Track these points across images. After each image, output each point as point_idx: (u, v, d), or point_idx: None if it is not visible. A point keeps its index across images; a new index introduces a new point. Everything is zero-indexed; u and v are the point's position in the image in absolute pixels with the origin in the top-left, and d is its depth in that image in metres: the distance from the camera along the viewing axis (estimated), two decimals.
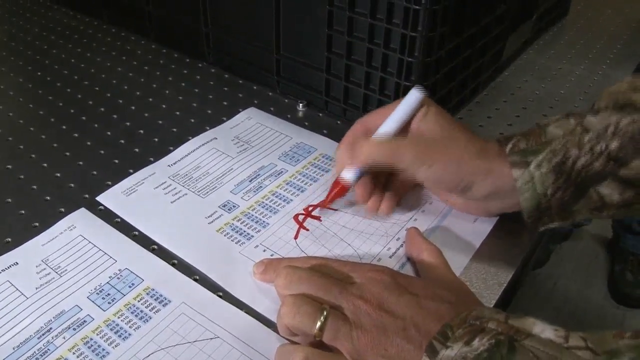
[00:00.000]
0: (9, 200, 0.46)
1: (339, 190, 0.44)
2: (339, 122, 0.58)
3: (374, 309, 0.32)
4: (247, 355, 0.33)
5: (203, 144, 0.52)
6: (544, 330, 0.28)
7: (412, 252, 0.41)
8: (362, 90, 0.54)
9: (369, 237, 0.43)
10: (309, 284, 0.34)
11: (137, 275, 0.38)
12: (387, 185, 0.46)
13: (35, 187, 0.47)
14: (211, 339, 0.34)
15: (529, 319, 0.30)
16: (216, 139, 0.53)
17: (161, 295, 0.37)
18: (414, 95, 0.43)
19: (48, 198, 0.46)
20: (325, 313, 0.32)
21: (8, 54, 0.71)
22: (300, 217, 0.44)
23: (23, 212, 0.45)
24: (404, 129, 0.43)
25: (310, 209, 0.45)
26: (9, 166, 0.50)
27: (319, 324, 0.31)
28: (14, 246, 0.41)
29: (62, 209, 0.45)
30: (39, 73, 0.66)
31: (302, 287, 0.34)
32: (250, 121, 0.57)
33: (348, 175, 0.43)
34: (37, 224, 0.43)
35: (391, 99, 0.53)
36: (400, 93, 0.52)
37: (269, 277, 0.38)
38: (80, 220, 0.43)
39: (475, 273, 0.40)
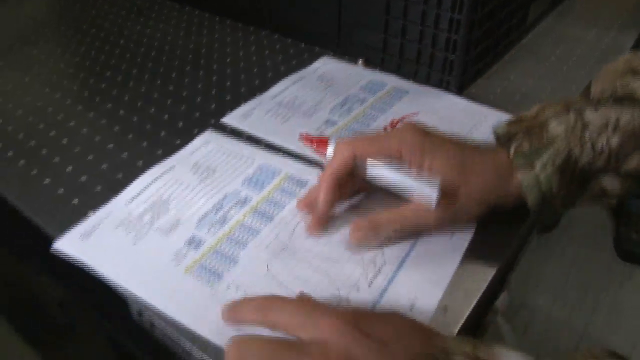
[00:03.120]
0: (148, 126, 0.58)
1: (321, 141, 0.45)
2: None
3: None
4: None
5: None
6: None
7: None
8: (416, 45, 0.65)
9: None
10: (263, 356, 0.32)
11: (275, 168, 0.50)
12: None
13: (166, 116, 0.59)
14: None
15: (497, 349, 0.29)
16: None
17: (299, 180, 0.48)
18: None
19: (180, 124, 0.58)
20: None
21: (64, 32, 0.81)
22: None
23: (163, 133, 0.57)
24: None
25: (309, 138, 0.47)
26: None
27: None
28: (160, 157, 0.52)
29: (196, 130, 0.57)
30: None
31: None
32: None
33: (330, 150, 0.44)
34: (159, 152, 0.54)
35: (442, 52, 0.63)
36: (450, 46, 0.62)
37: (238, 318, 0.37)
38: (212, 138, 0.54)
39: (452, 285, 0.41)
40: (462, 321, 0.38)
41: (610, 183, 0.39)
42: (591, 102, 0.41)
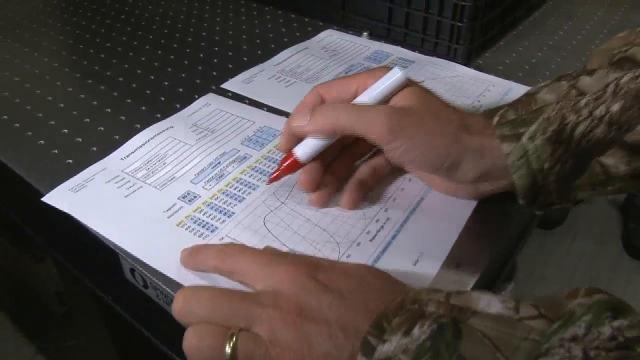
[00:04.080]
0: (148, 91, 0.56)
1: (290, 164, 0.38)
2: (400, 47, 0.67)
3: (292, 317, 0.28)
4: None
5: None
6: (490, 304, 0.25)
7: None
8: (423, 13, 0.64)
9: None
10: (210, 307, 0.29)
11: (276, 130, 0.48)
12: (348, 176, 0.41)
13: (166, 83, 0.58)
14: None
15: (473, 294, 0.26)
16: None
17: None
18: (396, 74, 0.38)
19: (181, 90, 0.57)
20: (232, 341, 0.27)
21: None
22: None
23: (163, 98, 0.55)
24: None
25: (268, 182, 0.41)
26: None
27: (228, 354, 0.27)
28: (159, 119, 0.51)
29: (196, 95, 0.55)
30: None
31: (203, 312, 0.29)
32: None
33: (299, 151, 0.38)
34: (158, 115, 0.53)
35: (449, 19, 0.62)
36: (457, 13, 0.61)
37: (197, 262, 0.35)
38: (213, 100, 0.53)
39: (459, 251, 0.38)
40: (474, 280, 0.36)
41: (615, 161, 0.32)
42: (585, 70, 0.35)
